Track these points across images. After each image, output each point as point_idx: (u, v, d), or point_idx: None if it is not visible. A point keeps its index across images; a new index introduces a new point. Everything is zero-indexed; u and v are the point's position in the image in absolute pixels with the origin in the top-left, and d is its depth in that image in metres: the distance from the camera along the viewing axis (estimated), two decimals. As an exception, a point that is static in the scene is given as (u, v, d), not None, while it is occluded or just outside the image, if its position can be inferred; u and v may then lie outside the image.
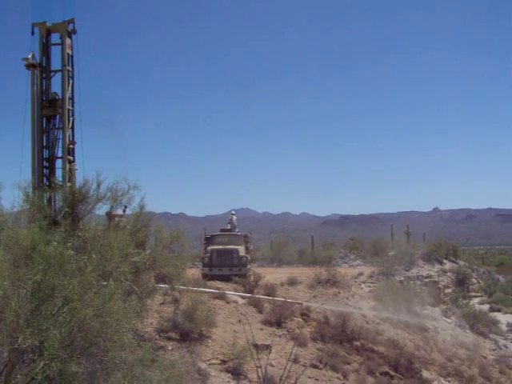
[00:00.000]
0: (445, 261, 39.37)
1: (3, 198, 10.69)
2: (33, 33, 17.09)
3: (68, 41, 17.19)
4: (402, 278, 31.68)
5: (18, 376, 6.68)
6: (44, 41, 17.19)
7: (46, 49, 17.26)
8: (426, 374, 17.19)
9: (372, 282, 30.54)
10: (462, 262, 41.59)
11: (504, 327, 27.91)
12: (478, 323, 26.28)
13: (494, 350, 23.72)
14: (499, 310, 32.35)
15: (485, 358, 21.93)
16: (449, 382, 17.76)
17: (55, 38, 17.42)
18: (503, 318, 29.59)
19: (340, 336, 16.78)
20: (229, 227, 28.06)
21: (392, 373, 15.42)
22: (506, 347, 24.52)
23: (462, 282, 36.96)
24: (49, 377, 6.26)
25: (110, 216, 12.81)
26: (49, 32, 17.36)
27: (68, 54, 17.19)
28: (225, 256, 22.72)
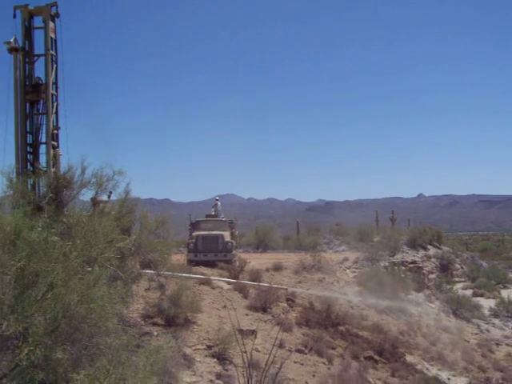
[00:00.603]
0: (429, 246, 39.63)
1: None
2: (15, 16, 16.81)
3: (51, 24, 16.93)
4: (387, 264, 31.86)
5: (3, 362, 6.65)
6: (26, 24, 16.91)
7: (28, 32, 16.99)
8: (409, 358, 17.37)
9: (357, 268, 30.68)
10: (445, 248, 41.90)
11: (486, 312, 28.21)
12: (461, 308, 26.55)
13: (476, 334, 24.01)
14: (482, 295, 32.69)
15: (467, 342, 22.20)
16: (432, 365, 17.96)
17: (38, 21, 17.13)
18: (486, 303, 29.91)
19: (325, 321, 16.87)
20: (213, 213, 28.02)
21: (376, 357, 15.56)
22: (488, 331, 24.81)
23: (445, 267, 37.26)
24: (33, 363, 6.24)
25: (94, 202, 12.73)
26: (31, 15, 17.08)
27: (51, 37, 16.94)
28: (210, 242, 22.71)
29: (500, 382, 17.82)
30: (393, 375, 14.77)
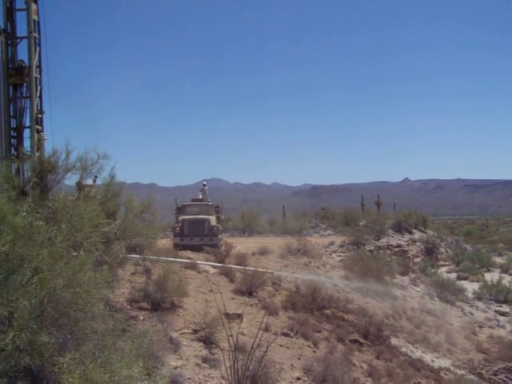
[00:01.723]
0: (414, 230, 39.94)
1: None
2: (-4, -3, 16.58)
3: (34, 6, 16.69)
4: (372, 248, 32.10)
5: (-12, 347, 6.64)
6: (8, 5, 16.64)
7: (10, 14, 16.73)
8: (394, 341, 17.55)
9: (343, 252, 30.89)
10: (430, 232, 42.24)
11: (470, 295, 28.55)
12: (446, 291, 26.83)
13: (460, 316, 24.28)
14: (466, 279, 33.03)
15: (451, 324, 22.46)
16: (416, 348, 18.17)
17: (20, 2, 16.88)
18: (470, 286, 30.25)
19: (311, 305, 16.97)
20: (200, 196, 27.99)
21: (361, 340, 15.69)
22: (472, 314, 25.10)
23: (430, 251, 37.58)
24: (19, 347, 6.23)
25: (79, 186, 12.66)
26: (13, -3, 16.85)
27: (34, 19, 16.72)
28: (196, 226, 22.72)
29: (482, 363, 18.08)
30: (378, 358, 14.92)
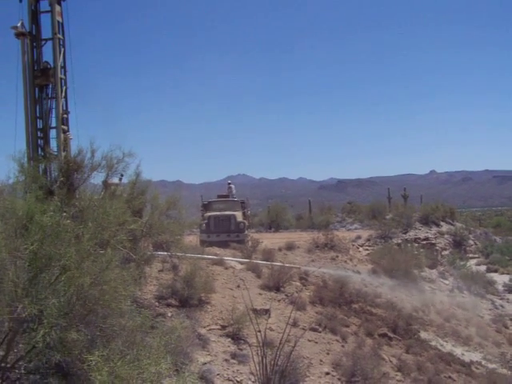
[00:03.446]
0: (442, 223, 39.47)
1: (-2, 170, 10.63)
2: (21, 0, 16.77)
3: (58, 8, 16.85)
4: (400, 241, 31.85)
5: (20, 345, 6.73)
6: (33, 8, 16.84)
7: (35, 16, 16.93)
8: (423, 334, 17.40)
9: (370, 246, 30.70)
10: (459, 224, 41.68)
11: (500, 287, 28.16)
12: (475, 284, 26.49)
13: (490, 309, 23.99)
14: (496, 271, 32.54)
15: (482, 317, 22.20)
16: (446, 341, 17.98)
17: (44, 5, 17.06)
18: (500, 279, 29.84)
19: (338, 299, 16.91)
20: (227, 193, 28.01)
21: (390, 334, 15.59)
22: (503, 307, 24.77)
23: (459, 243, 37.11)
24: (49, 345, 6.30)
25: (106, 185, 12.76)
26: (37, -1, 17.03)
27: (58, 21, 16.88)
28: (222, 222, 22.77)
29: (514, 356, 17.84)
30: (407, 352, 14.81)
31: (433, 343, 16.91)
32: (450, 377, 14.10)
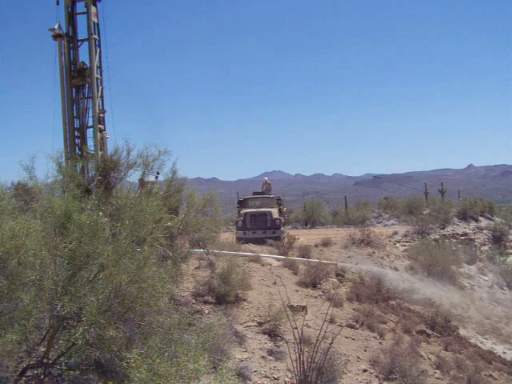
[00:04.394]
0: (480, 218, 38.79)
1: (37, 169, 10.79)
2: (58, 2, 17.05)
3: (93, 9, 17.11)
4: (437, 237, 31.40)
5: (60, 341, 6.84)
6: (69, 10, 17.15)
7: (71, 18, 17.23)
8: (463, 331, 17.15)
9: (407, 241, 30.34)
10: (498, 219, 40.89)
11: (543, 284, 27.58)
12: (516, 280, 26.03)
13: (532, 306, 23.51)
14: (537, 266, 31.89)
15: (523, 314, 21.78)
16: (486, 339, 17.70)
17: (80, 6, 17.38)
18: (541, 274, 29.20)
19: (375, 296, 16.77)
20: (264, 189, 27.98)
21: (428, 331, 15.40)
22: (545, 303, 24.26)
23: (498, 239, 36.43)
24: (89, 342, 6.39)
25: (142, 183, 12.87)
26: (74, 1, 17.32)
27: (94, 22, 17.14)
28: (258, 219, 22.78)
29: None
30: (446, 349, 14.60)
31: (472, 340, 16.65)
32: (490, 375, 13.84)
